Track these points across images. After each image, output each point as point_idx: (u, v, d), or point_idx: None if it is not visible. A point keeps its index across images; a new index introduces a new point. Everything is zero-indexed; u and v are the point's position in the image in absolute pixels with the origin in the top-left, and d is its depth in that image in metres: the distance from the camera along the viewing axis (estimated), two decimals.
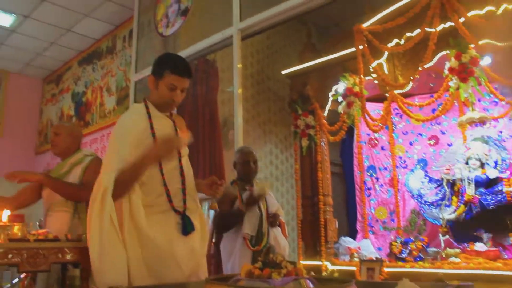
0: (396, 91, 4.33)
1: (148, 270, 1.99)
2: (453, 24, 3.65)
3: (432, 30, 3.73)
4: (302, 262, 4.52)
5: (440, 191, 4.50)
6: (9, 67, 7.85)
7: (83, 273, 2.24)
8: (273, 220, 3.22)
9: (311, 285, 1.45)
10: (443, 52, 3.86)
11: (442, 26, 3.75)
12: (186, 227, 2.09)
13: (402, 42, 4.09)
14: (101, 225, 1.86)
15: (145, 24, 5.32)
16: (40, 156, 8.04)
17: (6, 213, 2.20)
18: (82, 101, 7.10)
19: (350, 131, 5.20)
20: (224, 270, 3.17)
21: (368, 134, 5.37)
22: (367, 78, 4.37)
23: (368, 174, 5.32)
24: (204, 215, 2.27)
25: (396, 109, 4.89)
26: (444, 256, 3.99)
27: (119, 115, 6.12)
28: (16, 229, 2.13)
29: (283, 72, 5.06)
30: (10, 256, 2.01)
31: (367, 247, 4.69)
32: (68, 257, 2.18)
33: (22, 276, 3.46)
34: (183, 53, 4.48)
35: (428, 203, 4.58)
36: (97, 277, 1.87)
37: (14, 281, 3.83)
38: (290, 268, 1.49)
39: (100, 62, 6.82)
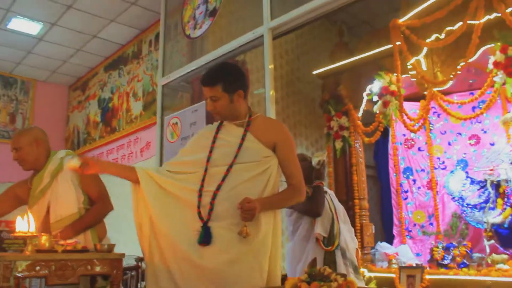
0: (435, 89, 4.14)
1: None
2: (498, 15, 3.44)
3: (476, 22, 3.53)
4: None
5: (483, 193, 4.27)
6: (37, 75, 7.88)
7: (113, 285, 2.12)
8: None
9: None
10: (487, 46, 3.67)
11: (486, 17, 3.54)
12: (201, 236, 2.04)
13: (442, 36, 3.90)
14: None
15: (171, 27, 5.23)
16: None
17: (33, 224, 2.09)
18: (109, 107, 7.07)
19: (384, 132, 5.01)
20: (291, 273, 3.14)
21: (404, 135, 5.17)
22: (403, 76, 4.19)
23: (405, 176, 5.11)
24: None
25: (433, 107, 4.69)
26: (490, 262, 3.77)
27: (146, 120, 6.07)
28: (44, 239, 2.02)
29: (315, 72, 4.92)
30: (37, 268, 1.92)
31: (405, 252, 4.50)
32: (98, 269, 2.07)
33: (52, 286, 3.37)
34: (211, 55, 4.37)
35: (470, 206, 4.36)
36: None
37: None
38: (341, 281, 1.33)
39: (126, 67, 6.78)
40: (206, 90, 2.18)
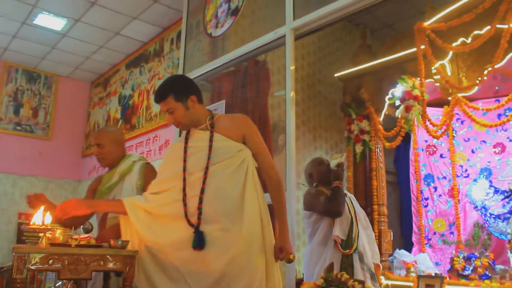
0: (459, 95, 4.03)
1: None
2: None
3: (505, 26, 3.42)
4: None
5: (508, 203, 4.15)
6: (60, 71, 7.96)
7: (126, 282, 2.09)
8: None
9: None
10: None
11: None
12: (194, 241, 2.12)
13: (468, 40, 3.79)
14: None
15: (193, 26, 5.22)
16: (87, 159, 8.10)
17: (49, 216, 2.09)
18: (129, 104, 7.09)
19: (405, 138, 4.91)
20: (308, 277, 3.16)
21: (426, 141, 5.06)
22: (427, 80, 4.09)
23: (425, 183, 5.00)
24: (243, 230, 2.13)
25: (457, 114, 4.58)
26: None
27: (165, 118, 6.06)
28: (59, 233, 2.01)
29: (336, 74, 4.85)
30: (50, 261, 1.91)
31: (424, 261, 4.39)
32: (111, 265, 2.05)
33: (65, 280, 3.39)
34: (232, 54, 4.34)
35: (493, 216, 4.25)
36: None
37: (57, 284, 3.76)
38: None
39: (147, 65, 6.79)
40: (161, 106, 2.30)
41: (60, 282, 3.68)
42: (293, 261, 2.13)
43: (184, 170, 2.24)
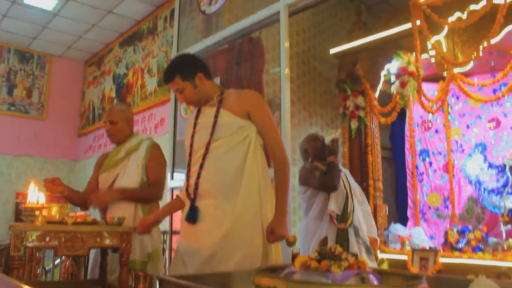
0: (455, 70, 4.02)
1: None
2: None
3: (501, 1, 3.39)
4: None
5: (502, 177, 4.19)
6: (52, 50, 7.87)
7: (122, 258, 2.13)
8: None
9: (375, 281, 1.25)
10: (511, 27, 3.53)
11: None
12: (187, 215, 2.15)
13: (464, 16, 3.77)
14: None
15: (187, 3, 5.14)
16: (82, 138, 8.09)
17: (42, 195, 2.10)
18: (123, 83, 7.05)
19: (401, 114, 4.92)
20: (304, 251, 3.22)
21: (421, 117, 5.07)
22: (423, 56, 4.08)
23: (421, 158, 5.03)
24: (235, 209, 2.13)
25: (453, 90, 4.58)
26: (506, 247, 3.69)
27: (160, 96, 6.04)
28: (55, 211, 2.03)
29: (332, 51, 4.81)
30: (47, 239, 1.95)
31: (419, 235, 4.45)
32: (107, 241, 2.09)
33: (64, 257, 3.42)
34: (226, 31, 4.29)
35: (487, 190, 4.29)
36: None
37: (56, 262, 3.80)
38: (352, 261, 1.29)
39: (141, 43, 6.72)
40: (170, 87, 2.31)
41: (59, 260, 3.71)
42: (293, 244, 2.07)
43: (191, 146, 2.27)
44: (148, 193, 2.77)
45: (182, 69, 2.26)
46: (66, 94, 8.20)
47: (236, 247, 2.06)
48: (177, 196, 2.36)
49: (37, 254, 3.55)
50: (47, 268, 3.79)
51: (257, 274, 1.28)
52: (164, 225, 2.33)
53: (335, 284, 1.12)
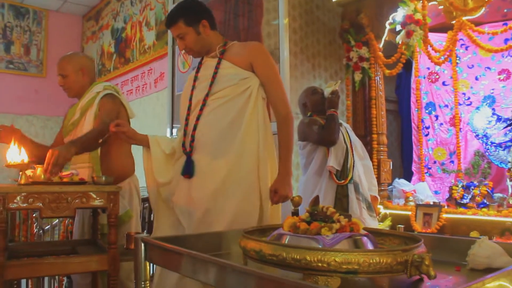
0: (464, 18, 3.81)
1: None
2: None
3: None
4: None
5: (510, 131, 4.05)
6: (48, 5, 7.65)
7: (110, 218, 2.05)
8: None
9: (369, 244, 1.16)
10: None
11: None
12: (183, 169, 2.10)
13: None
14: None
15: None
16: None
17: (24, 153, 2.00)
18: (122, 37, 6.86)
19: (407, 65, 4.73)
20: (303, 209, 3.06)
21: (428, 68, 4.88)
22: (430, 3, 3.86)
23: (427, 111, 4.87)
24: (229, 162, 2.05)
25: (462, 39, 4.37)
26: (511, 203, 3.61)
27: (159, 50, 5.87)
28: (40, 171, 1.94)
29: None
30: (31, 200, 1.87)
31: (423, 190, 4.37)
32: (94, 202, 2.00)
33: (61, 218, 3.38)
34: None
35: (495, 144, 4.16)
36: None
37: (54, 222, 3.77)
38: (344, 222, 1.20)
39: None
40: (172, 31, 2.21)
41: (57, 220, 3.69)
42: (299, 204, 1.99)
43: (190, 99, 2.19)
44: (96, 138, 2.49)
45: (187, 13, 2.16)
46: (65, 50, 7.85)
47: (229, 205, 1.98)
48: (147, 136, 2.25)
49: (34, 215, 3.52)
50: (45, 228, 3.76)
51: (244, 236, 1.20)
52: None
53: (324, 249, 1.03)
